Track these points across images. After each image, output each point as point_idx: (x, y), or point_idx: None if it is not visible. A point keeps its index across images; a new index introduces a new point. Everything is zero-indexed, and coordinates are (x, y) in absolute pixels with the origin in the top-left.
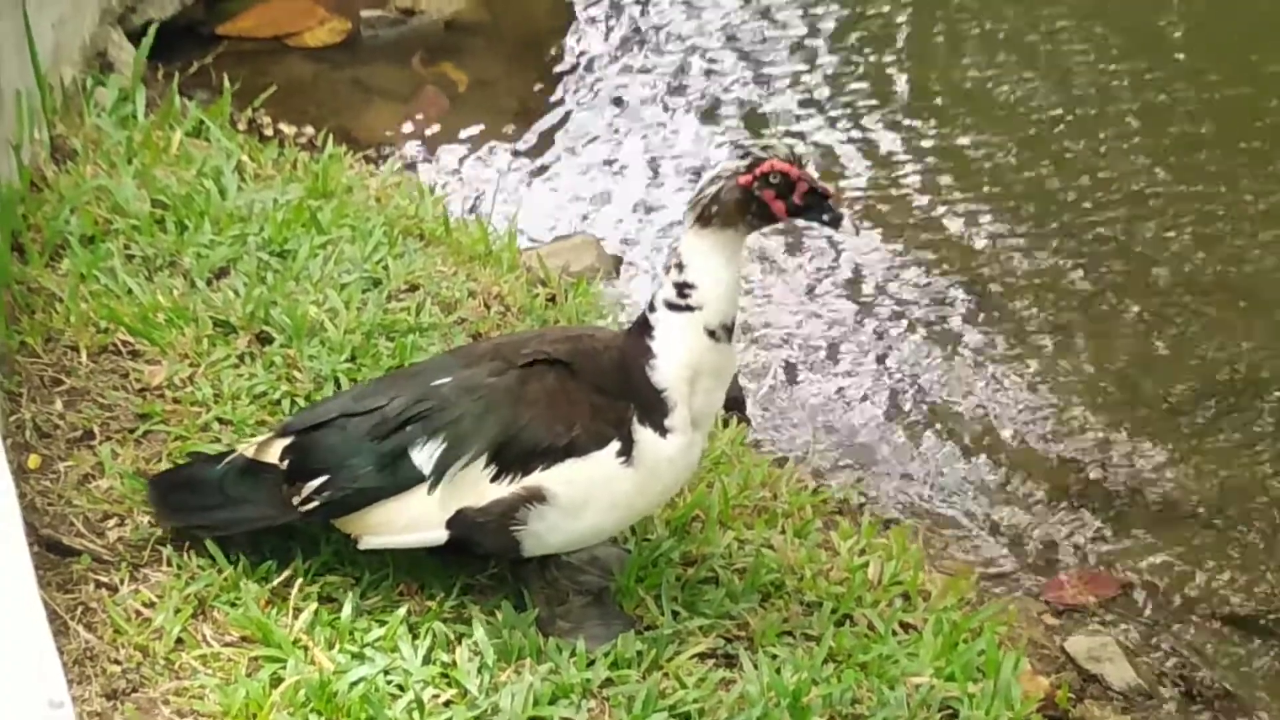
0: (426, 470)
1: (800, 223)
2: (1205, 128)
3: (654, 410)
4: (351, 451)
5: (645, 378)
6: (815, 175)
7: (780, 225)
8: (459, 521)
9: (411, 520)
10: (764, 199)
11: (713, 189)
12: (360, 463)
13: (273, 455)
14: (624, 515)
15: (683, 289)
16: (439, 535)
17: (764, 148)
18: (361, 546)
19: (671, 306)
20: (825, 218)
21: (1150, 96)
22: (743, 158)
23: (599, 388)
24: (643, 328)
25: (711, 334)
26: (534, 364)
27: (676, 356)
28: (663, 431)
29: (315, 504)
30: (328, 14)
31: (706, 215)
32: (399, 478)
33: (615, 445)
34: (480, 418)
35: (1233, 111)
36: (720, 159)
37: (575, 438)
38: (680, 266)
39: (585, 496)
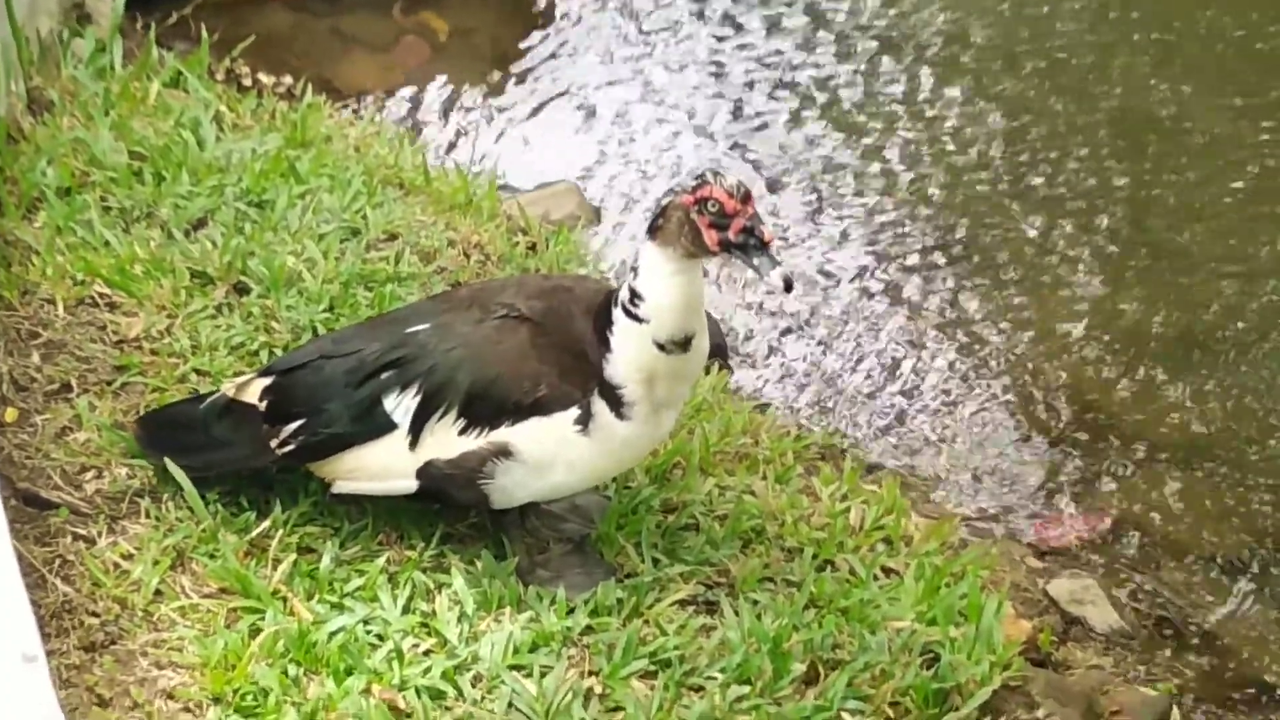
0: (399, 419)
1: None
2: (1204, 82)
3: (612, 395)
4: (328, 396)
5: (602, 367)
6: (760, 216)
7: (715, 256)
8: (428, 472)
9: (383, 468)
10: (699, 225)
11: (665, 201)
12: (335, 408)
13: (253, 395)
14: (585, 477)
15: (634, 296)
16: (409, 484)
17: (714, 173)
18: (334, 491)
19: (626, 311)
20: (755, 261)
21: (1150, 55)
22: (696, 177)
23: (568, 349)
24: (606, 319)
25: (661, 347)
26: (508, 317)
27: (629, 361)
28: (620, 415)
29: (292, 447)
30: None
31: (654, 226)
32: (372, 424)
33: (575, 412)
34: (453, 369)
35: (1238, 73)
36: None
37: (541, 396)
38: (635, 271)
39: (550, 455)
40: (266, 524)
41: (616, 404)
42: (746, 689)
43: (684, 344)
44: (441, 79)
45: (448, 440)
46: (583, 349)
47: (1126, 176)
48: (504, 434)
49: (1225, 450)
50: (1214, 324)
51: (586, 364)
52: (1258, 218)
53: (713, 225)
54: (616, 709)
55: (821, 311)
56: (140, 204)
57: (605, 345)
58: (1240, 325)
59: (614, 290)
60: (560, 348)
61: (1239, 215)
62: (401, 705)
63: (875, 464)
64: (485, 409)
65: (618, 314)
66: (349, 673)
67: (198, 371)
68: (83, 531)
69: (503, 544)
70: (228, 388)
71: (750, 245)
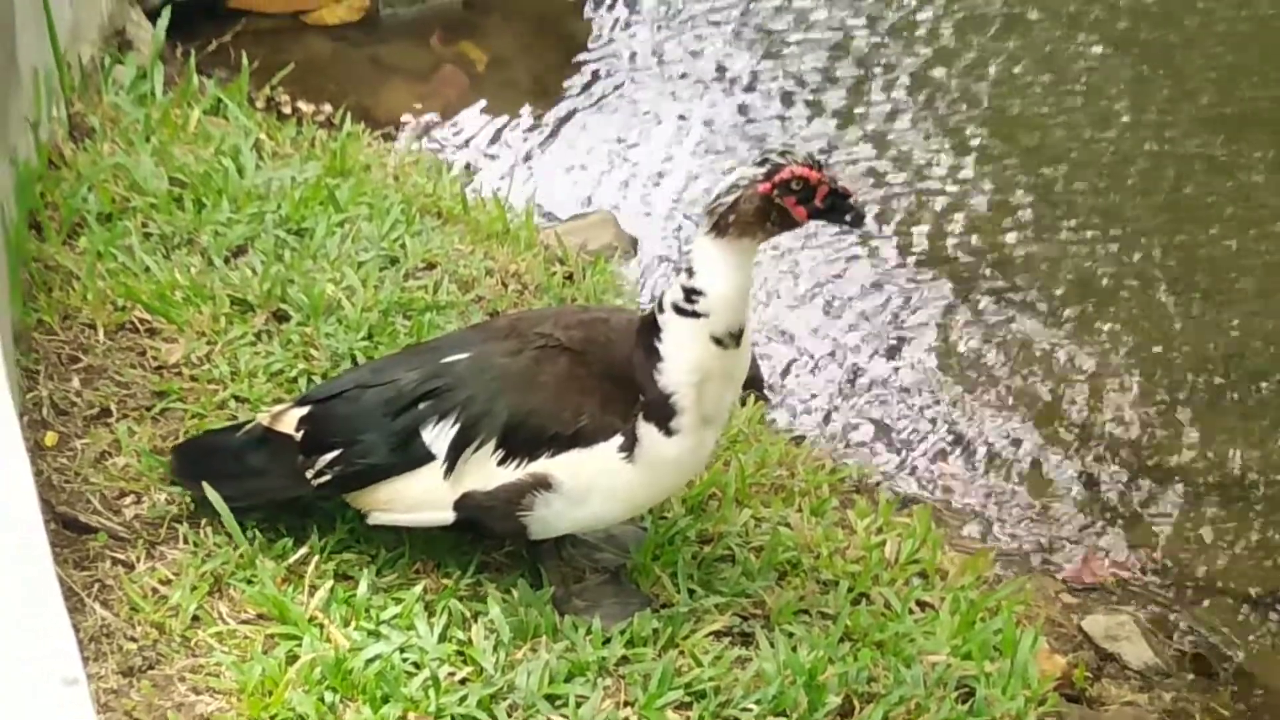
0: (436, 451)
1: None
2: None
3: (661, 410)
4: (364, 426)
5: (653, 379)
6: (834, 175)
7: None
8: (466, 503)
9: (420, 499)
10: (785, 206)
11: (730, 198)
12: (372, 438)
13: (288, 425)
14: (627, 506)
15: (691, 294)
16: (446, 516)
17: (782, 153)
18: (370, 522)
19: (679, 311)
20: (848, 218)
21: (1179, 84)
22: (760, 164)
23: (610, 377)
24: (651, 327)
25: (718, 341)
26: (547, 347)
27: (684, 362)
28: (668, 432)
29: (328, 477)
30: None
31: (723, 224)
32: (409, 456)
33: (618, 439)
34: (491, 400)
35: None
36: (739, 165)
37: (582, 427)
38: (690, 271)
39: (589, 486)
40: (304, 551)
41: (666, 418)
42: None
43: (737, 337)
44: (479, 108)
45: (486, 471)
46: (624, 375)
47: (1168, 205)
48: (544, 465)
49: (1262, 487)
50: (1252, 358)
51: (629, 391)
52: None
53: (800, 202)
54: None
55: (857, 344)
56: (181, 230)
57: (655, 356)
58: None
59: (651, 309)
60: (601, 376)
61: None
62: None
63: (911, 497)
64: (524, 440)
65: (667, 318)
66: (385, 700)
67: (237, 398)
68: (121, 556)
69: (539, 573)
70: (263, 417)
71: (837, 207)
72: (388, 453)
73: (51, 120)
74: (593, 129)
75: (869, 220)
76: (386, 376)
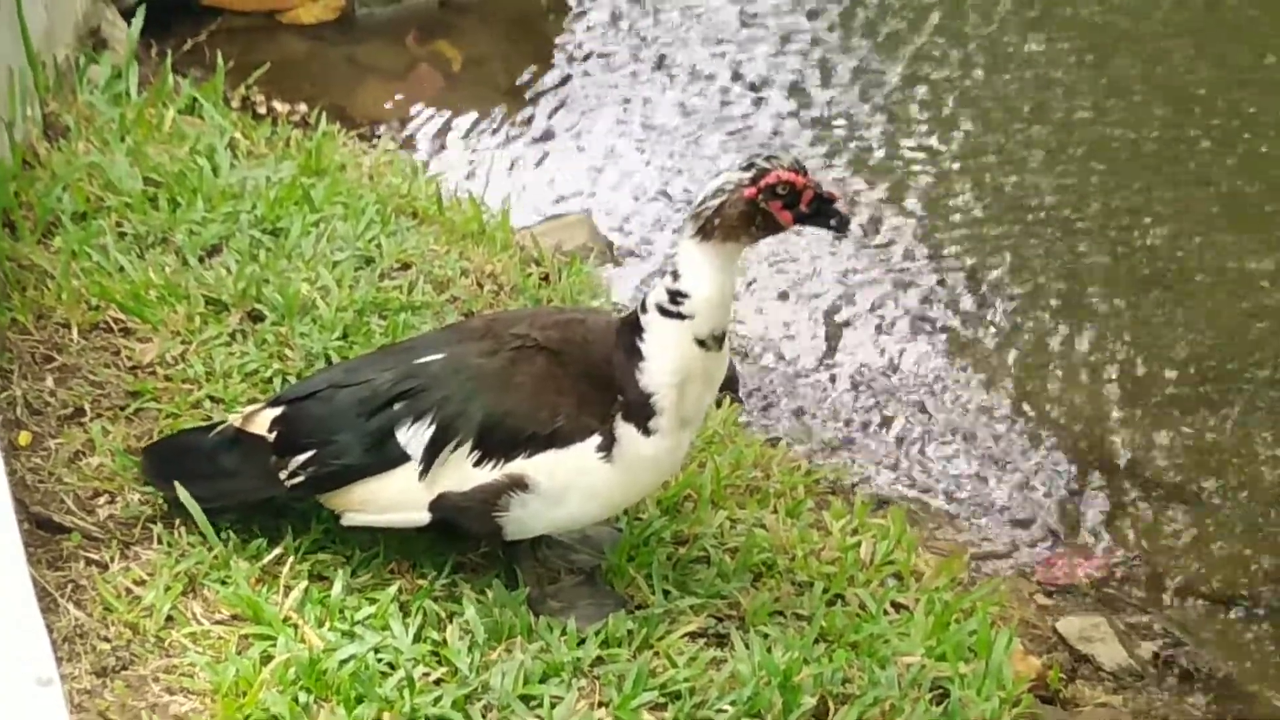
0: (411, 451)
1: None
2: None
3: (640, 410)
4: (338, 426)
5: (634, 379)
6: (819, 180)
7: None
8: (441, 504)
9: (394, 500)
10: (771, 210)
11: (716, 201)
12: (346, 439)
13: (261, 426)
14: (604, 507)
15: (675, 296)
16: (421, 516)
17: (768, 158)
18: (345, 523)
19: (663, 311)
20: (832, 223)
21: (1139, 93)
22: (746, 169)
23: (587, 377)
24: (633, 328)
25: (701, 343)
26: (523, 348)
27: (665, 362)
28: (647, 432)
29: (301, 478)
30: None
31: (709, 228)
32: (384, 456)
33: (596, 439)
34: (467, 400)
35: (1217, 106)
36: (723, 169)
37: (559, 427)
38: (675, 274)
39: (566, 486)
40: (278, 551)
41: (645, 418)
42: None
43: (719, 339)
44: (455, 108)
45: (462, 472)
46: (603, 375)
47: (1140, 208)
48: (520, 466)
49: (1238, 489)
50: (1227, 362)
51: (606, 392)
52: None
53: (785, 206)
54: None
55: (831, 346)
56: (155, 230)
57: (637, 356)
58: (1254, 363)
59: (633, 311)
60: (578, 377)
61: (1259, 253)
62: None
63: (885, 498)
64: (500, 441)
65: (650, 319)
66: (360, 701)
67: (211, 398)
68: (95, 556)
69: (514, 574)
70: (235, 418)
71: (822, 211)
72: (362, 453)
73: (26, 119)
74: (569, 129)
75: (853, 225)
76: (361, 377)
